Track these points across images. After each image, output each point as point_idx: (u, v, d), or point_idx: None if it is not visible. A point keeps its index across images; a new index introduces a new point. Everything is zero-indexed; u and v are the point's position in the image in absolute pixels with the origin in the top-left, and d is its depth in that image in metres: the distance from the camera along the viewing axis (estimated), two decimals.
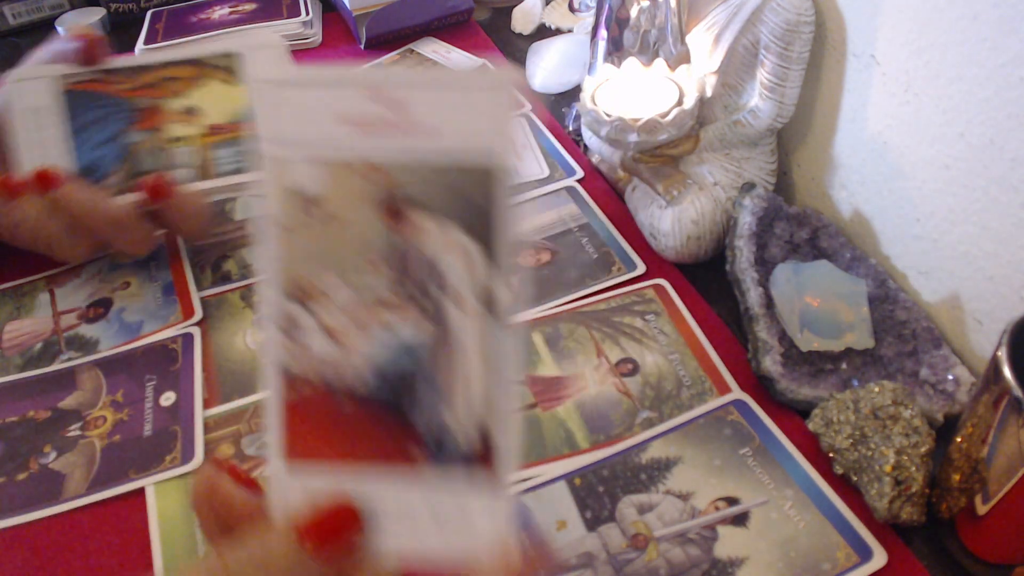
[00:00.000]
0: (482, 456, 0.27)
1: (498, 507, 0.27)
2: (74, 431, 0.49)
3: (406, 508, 0.28)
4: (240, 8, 0.89)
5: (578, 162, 0.67)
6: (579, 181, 0.65)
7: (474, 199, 0.26)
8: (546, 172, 0.66)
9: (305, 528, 0.27)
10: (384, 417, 0.28)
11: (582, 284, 0.56)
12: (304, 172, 0.27)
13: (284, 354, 0.28)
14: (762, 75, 0.53)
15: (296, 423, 0.28)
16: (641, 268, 0.57)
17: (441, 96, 0.26)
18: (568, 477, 0.45)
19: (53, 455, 0.48)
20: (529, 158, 0.68)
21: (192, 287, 0.58)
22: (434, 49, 0.84)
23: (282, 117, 0.27)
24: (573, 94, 0.75)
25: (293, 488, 0.28)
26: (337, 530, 0.27)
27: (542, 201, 0.64)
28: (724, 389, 0.49)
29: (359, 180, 0.27)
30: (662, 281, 0.56)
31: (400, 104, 0.26)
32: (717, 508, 0.43)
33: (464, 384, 0.27)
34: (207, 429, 0.49)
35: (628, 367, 0.51)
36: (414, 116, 0.26)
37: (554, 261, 0.58)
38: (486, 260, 0.26)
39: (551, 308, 0.55)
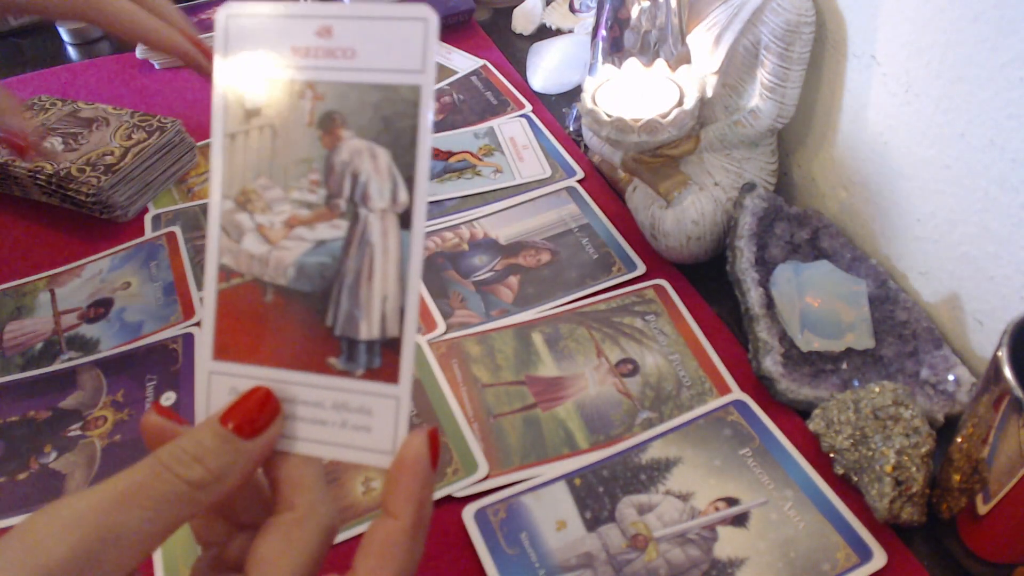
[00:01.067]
0: (384, 355, 0.31)
1: (395, 405, 0.30)
2: (75, 431, 0.49)
3: (316, 404, 0.31)
4: None
5: (578, 162, 0.67)
6: (579, 182, 0.65)
7: (390, 115, 0.31)
8: (548, 172, 0.66)
9: (227, 411, 0.30)
10: (302, 312, 0.32)
11: (582, 284, 0.56)
12: (248, 87, 0.32)
13: (222, 252, 0.33)
14: (762, 75, 0.53)
15: (225, 320, 0.32)
16: (641, 268, 0.57)
17: (368, 24, 0.31)
18: (568, 477, 0.45)
19: (54, 455, 0.48)
20: (531, 158, 0.68)
21: (192, 287, 0.58)
22: None
23: (237, 43, 0.32)
24: (573, 94, 0.75)
25: (219, 385, 0.32)
26: (255, 412, 0.30)
27: (543, 201, 0.64)
28: (724, 389, 0.49)
29: (295, 97, 0.32)
30: (662, 282, 0.56)
31: (336, 33, 0.31)
32: (717, 508, 0.43)
33: (369, 277, 0.31)
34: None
35: (628, 367, 0.51)
36: (345, 43, 0.31)
37: (554, 261, 0.58)
38: (395, 166, 0.30)
39: (551, 309, 0.55)
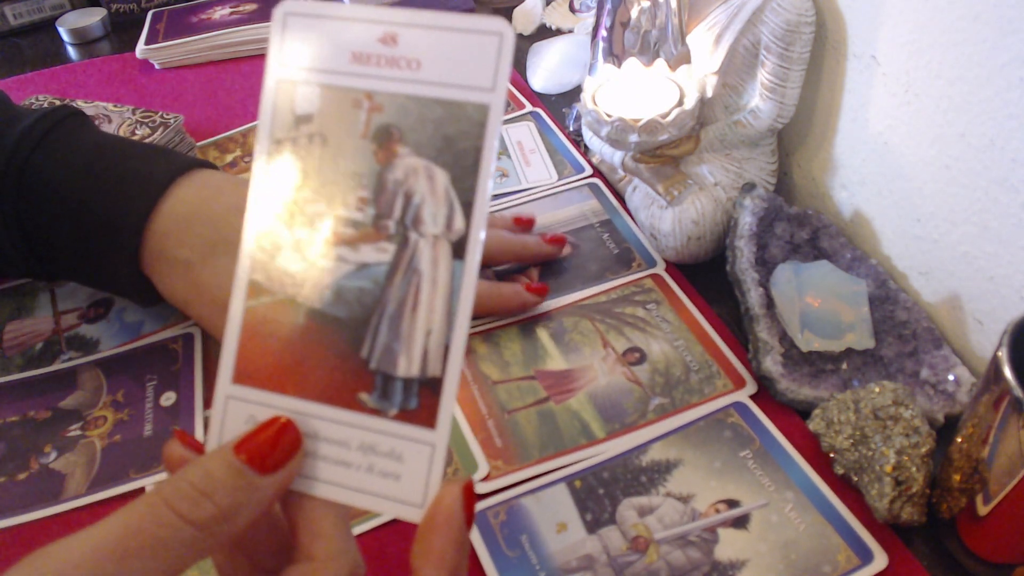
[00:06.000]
0: (422, 395, 0.28)
1: (430, 453, 0.28)
2: (74, 431, 0.49)
3: (341, 443, 0.28)
4: (241, 8, 0.89)
5: (589, 163, 0.67)
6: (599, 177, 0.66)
7: (453, 134, 0.28)
8: (554, 177, 0.66)
9: (242, 441, 0.27)
10: (335, 339, 0.29)
11: (602, 278, 0.57)
12: (301, 92, 0.29)
13: (255, 267, 0.30)
14: (763, 75, 0.53)
15: (250, 341, 0.29)
16: (661, 265, 0.57)
17: (438, 35, 0.28)
18: (568, 479, 0.45)
19: (54, 455, 0.48)
20: (537, 162, 0.68)
21: None
22: None
23: (293, 43, 0.29)
24: (574, 94, 0.75)
25: (236, 412, 0.29)
26: (274, 444, 0.27)
27: (564, 196, 0.64)
28: (731, 372, 0.49)
29: (351, 106, 0.29)
30: (658, 270, 0.57)
31: (402, 41, 0.28)
32: (717, 510, 0.43)
33: (413, 308, 0.28)
34: (207, 429, 0.49)
35: (635, 356, 0.51)
36: (411, 52, 0.28)
37: (575, 255, 0.59)
38: (453, 190, 0.28)
39: (554, 304, 0.55)
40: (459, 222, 0.28)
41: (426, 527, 0.27)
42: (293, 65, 0.29)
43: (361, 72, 0.29)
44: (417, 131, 0.28)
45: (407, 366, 0.28)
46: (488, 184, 0.28)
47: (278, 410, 0.29)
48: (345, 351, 0.29)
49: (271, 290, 0.30)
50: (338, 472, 0.28)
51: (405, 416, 0.28)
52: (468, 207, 0.28)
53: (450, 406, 0.28)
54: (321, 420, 0.29)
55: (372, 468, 0.28)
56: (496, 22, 0.27)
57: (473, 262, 0.28)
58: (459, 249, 0.28)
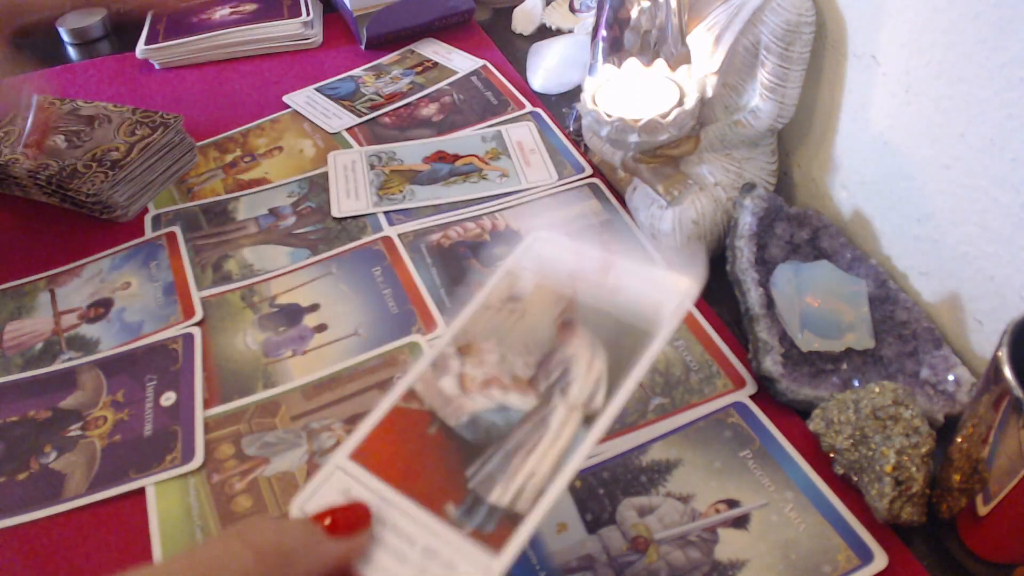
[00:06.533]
0: (501, 524, 0.31)
1: (483, 574, 0.30)
2: (74, 431, 0.49)
3: (408, 539, 0.31)
4: (241, 9, 0.89)
5: (590, 163, 0.67)
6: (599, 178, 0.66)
7: (624, 342, 0.34)
8: (555, 177, 0.66)
9: (320, 514, 0.31)
10: (452, 455, 0.33)
11: None
12: (522, 282, 0.37)
13: (419, 379, 0.35)
14: (763, 75, 0.53)
15: (382, 431, 0.34)
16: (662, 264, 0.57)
17: (642, 277, 0.35)
18: None
19: (53, 455, 0.48)
20: (538, 163, 0.68)
21: (193, 287, 0.58)
22: (434, 50, 0.84)
23: (530, 253, 0.38)
24: (574, 95, 0.75)
25: (337, 481, 0.33)
26: (347, 513, 0.31)
27: (564, 196, 0.64)
28: (731, 372, 0.49)
29: (553, 298, 0.36)
30: None
31: (613, 272, 0.36)
32: (717, 511, 0.43)
33: (528, 452, 0.32)
34: (207, 429, 0.49)
35: None
36: (616, 281, 0.35)
37: None
38: (605, 379, 0.33)
39: None
40: (599, 401, 0.33)
41: None
42: (524, 266, 0.38)
43: (571, 285, 0.36)
44: (596, 329, 0.35)
45: (500, 495, 0.31)
46: (634, 384, 0.32)
47: (371, 491, 0.33)
48: (455, 466, 0.32)
49: (422, 399, 0.35)
50: (392, 563, 0.31)
51: (477, 536, 0.30)
52: (611, 392, 0.33)
53: (521, 544, 0.30)
54: (403, 514, 0.32)
55: (424, 571, 0.30)
56: (685, 282, 0.34)
57: (596, 435, 0.32)
58: (589, 420, 0.32)
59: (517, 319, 0.36)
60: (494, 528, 0.30)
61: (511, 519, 0.30)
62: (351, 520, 0.31)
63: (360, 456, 0.34)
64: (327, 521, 0.30)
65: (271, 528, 0.29)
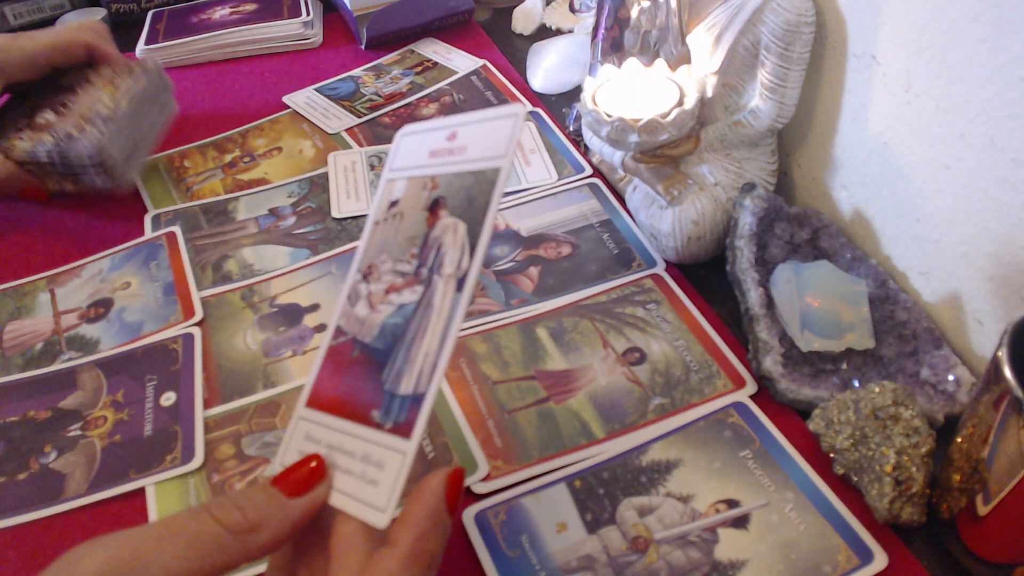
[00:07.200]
0: (410, 410, 0.32)
1: (400, 461, 0.32)
2: (74, 431, 0.49)
3: (351, 455, 0.33)
4: (241, 8, 0.89)
5: (589, 162, 0.67)
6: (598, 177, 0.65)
7: (475, 194, 0.34)
8: (554, 177, 0.66)
9: (277, 476, 0.33)
10: (371, 367, 0.35)
11: (602, 278, 0.57)
12: (396, 186, 0.39)
13: (342, 315, 0.38)
14: (763, 76, 0.53)
15: (324, 372, 0.37)
16: (661, 265, 0.57)
17: (479, 125, 0.36)
18: (568, 479, 0.45)
19: (53, 455, 0.48)
20: (537, 163, 0.68)
21: (192, 287, 0.58)
22: (434, 50, 0.84)
23: (400, 155, 0.40)
24: (573, 95, 0.75)
25: (299, 430, 0.36)
26: (304, 477, 0.33)
27: (564, 196, 0.64)
28: (731, 372, 0.49)
29: (421, 189, 0.37)
30: (658, 270, 0.56)
31: (458, 135, 0.37)
32: (717, 511, 0.43)
33: (421, 336, 0.34)
34: (207, 429, 0.49)
35: (635, 356, 0.51)
36: (463, 142, 0.36)
37: (575, 255, 0.59)
38: (468, 237, 0.34)
39: (554, 304, 0.55)
40: (466, 262, 0.33)
41: (409, 500, 0.32)
42: (396, 168, 0.39)
43: (432, 163, 0.37)
44: (455, 197, 0.35)
45: (407, 385, 0.33)
46: (489, 231, 0.33)
47: (327, 429, 0.35)
48: (374, 376, 0.34)
49: (347, 331, 0.37)
50: (343, 481, 0.33)
51: (395, 429, 0.32)
52: (473, 249, 0.33)
53: (425, 419, 0.32)
54: (346, 435, 0.34)
55: (364, 475, 0.32)
56: (514, 106, 0.34)
57: (467, 293, 0.33)
58: (460, 283, 0.33)
59: (399, 222, 0.37)
60: (406, 416, 0.32)
61: (416, 401, 0.32)
62: (306, 477, 0.33)
63: (313, 402, 0.36)
64: (285, 485, 0.32)
65: (236, 502, 0.31)
